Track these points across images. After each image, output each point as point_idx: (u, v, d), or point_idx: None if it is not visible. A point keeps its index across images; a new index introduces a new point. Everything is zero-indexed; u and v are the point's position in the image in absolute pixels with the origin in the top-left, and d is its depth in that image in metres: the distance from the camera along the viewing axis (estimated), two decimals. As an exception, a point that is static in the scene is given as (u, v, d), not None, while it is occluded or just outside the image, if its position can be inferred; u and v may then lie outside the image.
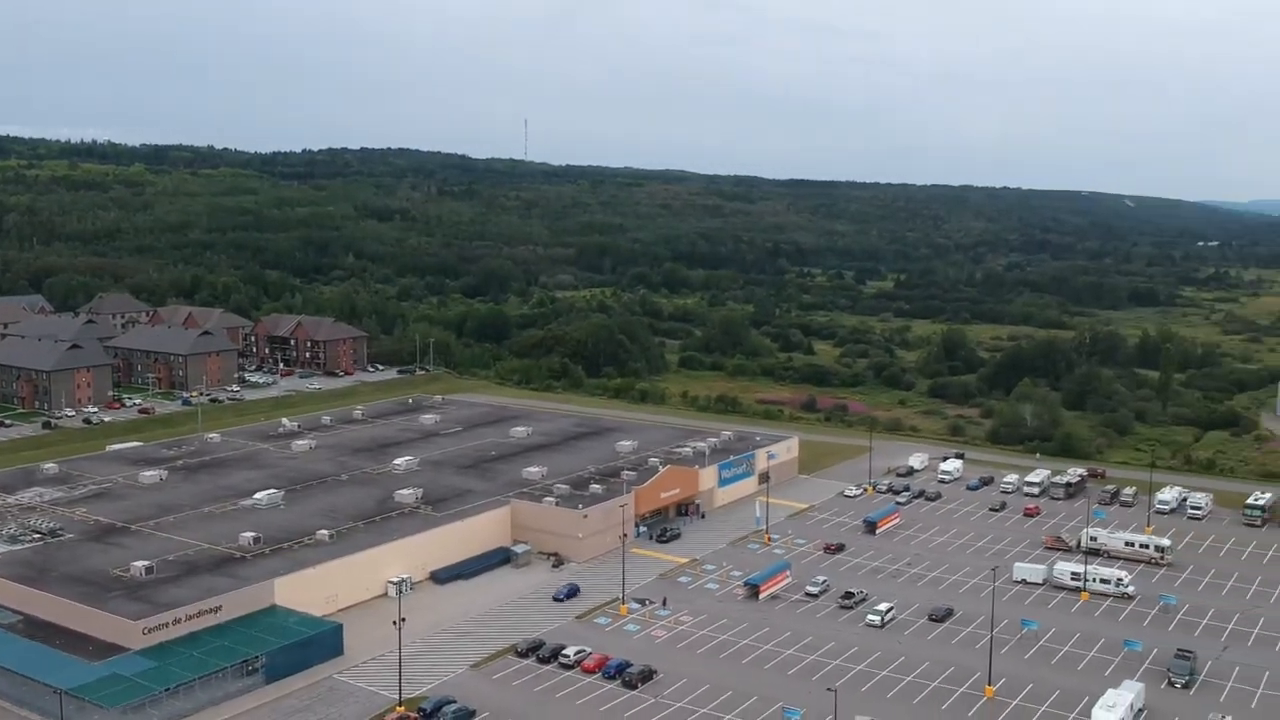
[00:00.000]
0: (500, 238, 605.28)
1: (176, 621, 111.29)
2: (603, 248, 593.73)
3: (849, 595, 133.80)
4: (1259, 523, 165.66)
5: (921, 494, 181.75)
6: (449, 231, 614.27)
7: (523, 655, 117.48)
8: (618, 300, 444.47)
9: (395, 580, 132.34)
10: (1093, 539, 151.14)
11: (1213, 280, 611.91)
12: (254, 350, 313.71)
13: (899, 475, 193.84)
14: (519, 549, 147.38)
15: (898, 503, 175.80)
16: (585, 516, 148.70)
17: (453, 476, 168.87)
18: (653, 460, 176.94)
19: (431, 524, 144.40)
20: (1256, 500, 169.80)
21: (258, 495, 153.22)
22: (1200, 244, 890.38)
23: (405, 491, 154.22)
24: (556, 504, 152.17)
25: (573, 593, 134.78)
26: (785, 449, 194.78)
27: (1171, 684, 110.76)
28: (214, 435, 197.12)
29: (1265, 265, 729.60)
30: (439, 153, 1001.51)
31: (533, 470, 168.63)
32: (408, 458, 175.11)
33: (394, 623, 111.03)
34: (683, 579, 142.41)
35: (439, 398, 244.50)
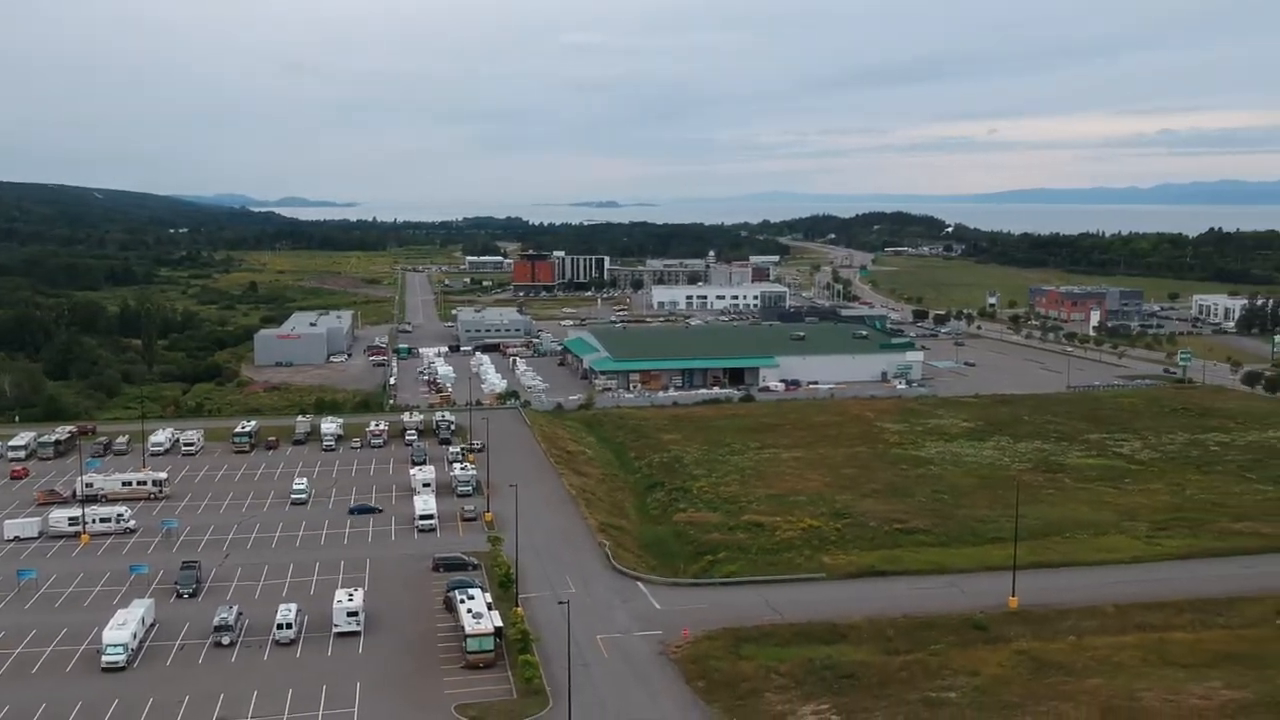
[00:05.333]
0: None
1: None
2: None
3: None
4: (247, 448, 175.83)
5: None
6: None
7: None
8: None
9: None
10: (89, 485, 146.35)
11: (186, 260, 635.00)
12: None
13: None
14: None
15: None
16: None
17: None
18: None
19: None
20: (243, 429, 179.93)
21: None
22: (172, 231, 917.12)
23: None
24: None
25: None
26: None
27: (180, 595, 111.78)
28: None
29: (232, 247, 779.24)
30: None
31: None
32: None
33: None
34: None
35: None
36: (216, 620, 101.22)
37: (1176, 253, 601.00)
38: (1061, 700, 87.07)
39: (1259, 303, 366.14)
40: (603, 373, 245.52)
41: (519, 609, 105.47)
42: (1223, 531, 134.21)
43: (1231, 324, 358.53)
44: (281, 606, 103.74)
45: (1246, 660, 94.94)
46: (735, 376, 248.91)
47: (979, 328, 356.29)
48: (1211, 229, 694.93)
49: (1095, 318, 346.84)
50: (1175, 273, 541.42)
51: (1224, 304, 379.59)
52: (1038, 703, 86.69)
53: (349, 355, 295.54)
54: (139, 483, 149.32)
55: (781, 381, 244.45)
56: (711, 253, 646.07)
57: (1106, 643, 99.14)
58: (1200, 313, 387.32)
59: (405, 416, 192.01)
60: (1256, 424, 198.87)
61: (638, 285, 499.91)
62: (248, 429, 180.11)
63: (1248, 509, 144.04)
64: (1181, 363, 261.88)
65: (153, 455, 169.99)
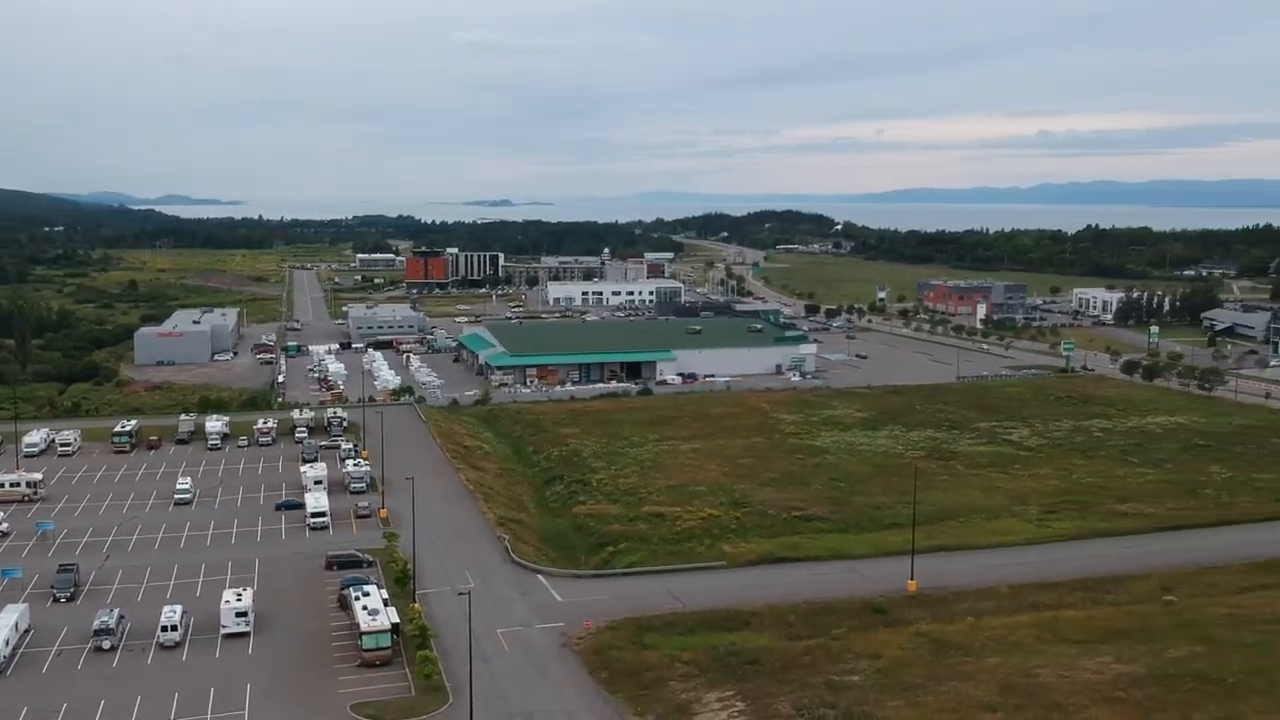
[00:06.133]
0: None
1: None
2: None
3: None
4: (128, 448, 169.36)
5: None
6: None
7: None
8: None
9: None
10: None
11: (62, 259, 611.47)
12: None
13: None
14: None
15: None
16: None
17: None
18: None
19: None
20: (123, 428, 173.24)
21: None
22: (47, 229, 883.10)
23: None
24: None
25: None
26: None
27: (56, 599, 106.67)
28: None
29: (110, 245, 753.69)
30: None
31: None
32: None
33: None
34: None
35: None
36: (96, 624, 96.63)
37: (1057, 249, 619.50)
38: (961, 680, 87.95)
39: (1135, 296, 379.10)
40: (499, 368, 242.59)
41: (416, 605, 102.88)
42: (1109, 513, 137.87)
43: (1109, 316, 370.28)
44: (166, 608, 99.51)
45: (1135, 635, 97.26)
46: (632, 370, 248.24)
47: (869, 322, 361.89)
48: (1089, 226, 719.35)
49: (982, 311, 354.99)
50: (1056, 268, 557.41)
51: (1102, 297, 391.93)
52: (939, 683, 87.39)
53: (235, 353, 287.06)
54: (12, 484, 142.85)
55: (678, 375, 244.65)
56: (606, 250, 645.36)
57: (1003, 622, 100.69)
58: (1080, 306, 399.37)
59: (295, 414, 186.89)
60: (1136, 411, 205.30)
61: (533, 282, 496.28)
62: (128, 428, 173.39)
63: (1131, 491, 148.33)
64: (1065, 352, 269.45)
65: (27, 456, 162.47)
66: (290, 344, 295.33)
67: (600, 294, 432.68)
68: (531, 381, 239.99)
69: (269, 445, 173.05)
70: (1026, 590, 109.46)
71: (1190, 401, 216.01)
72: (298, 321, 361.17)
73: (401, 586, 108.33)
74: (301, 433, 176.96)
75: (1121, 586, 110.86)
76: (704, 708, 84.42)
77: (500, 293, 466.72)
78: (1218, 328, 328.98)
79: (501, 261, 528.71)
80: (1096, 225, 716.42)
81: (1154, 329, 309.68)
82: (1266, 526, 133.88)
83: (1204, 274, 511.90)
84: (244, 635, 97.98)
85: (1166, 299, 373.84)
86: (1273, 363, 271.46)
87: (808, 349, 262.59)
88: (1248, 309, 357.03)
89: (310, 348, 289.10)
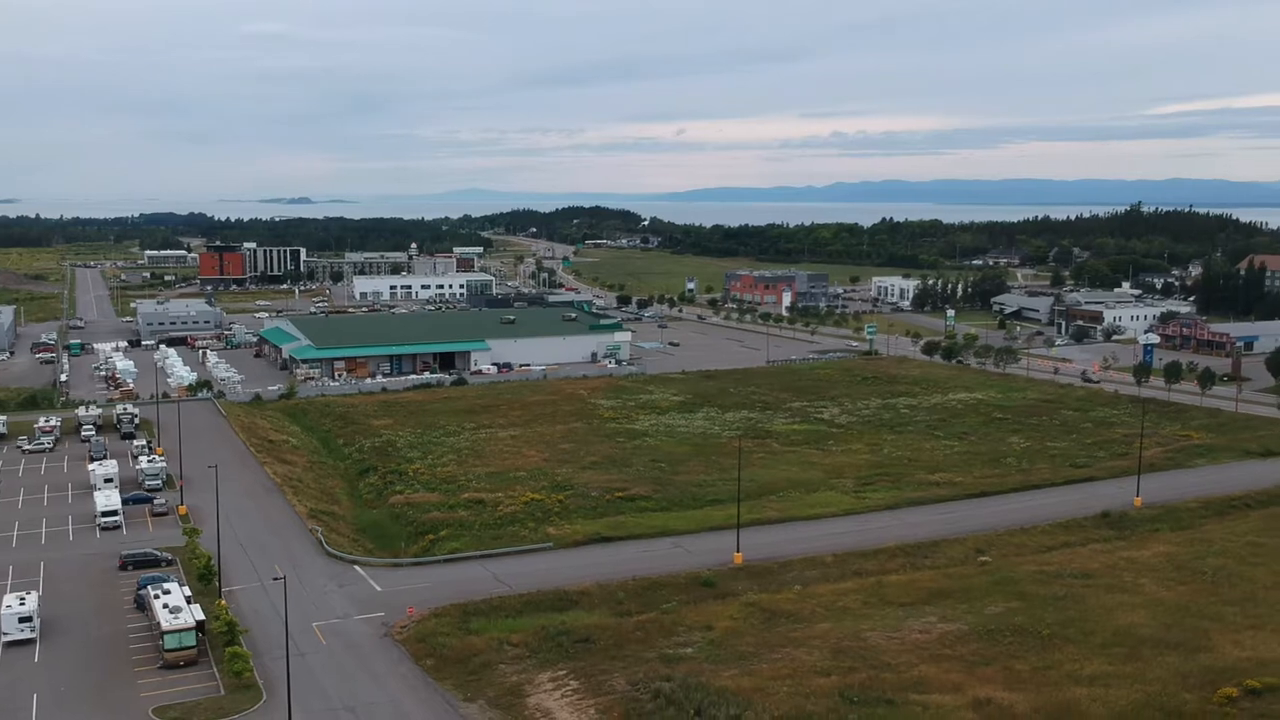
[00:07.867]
0: None
1: None
2: None
3: None
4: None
5: None
6: None
7: None
8: None
9: None
10: None
11: None
12: None
13: None
14: None
15: None
16: None
17: None
18: None
19: None
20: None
21: None
22: None
23: None
24: None
25: None
26: None
27: None
28: None
29: None
30: None
31: None
32: None
33: None
34: None
35: None
36: None
37: (854, 241, 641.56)
38: (794, 646, 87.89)
39: (930, 283, 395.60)
40: (304, 361, 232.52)
41: (222, 601, 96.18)
42: (921, 483, 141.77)
43: (907, 302, 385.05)
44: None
45: (955, 595, 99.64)
46: (446, 361, 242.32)
47: (680, 311, 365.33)
48: (884, 219, 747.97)
49: (787, 299, 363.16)
50: (854, 259, 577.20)
51: (899, 285, 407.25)
52: (772, 650, 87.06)
53: (11, 353, 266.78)
54: None
55: (494, 365, 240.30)
56: (414, 245, 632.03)
57: (829, 589, 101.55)
58: (879, 293, 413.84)
59: (80, 411, 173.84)
60: (937, 388, 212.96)
61: (338, 277, 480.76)
62: None
63: (939, 462, 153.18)
64: (868, 336, 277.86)
65: None
66: (73, 342, 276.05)
67: (409, 288, 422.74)
68: (340, 375, 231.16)
69: (52, 446, 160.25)
70: (850, 558, 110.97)
71: (987, 379, 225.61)
72: (80, 319, 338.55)
73: (206, 584, 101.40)
74: (88, 430, 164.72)
75: (938, 550, 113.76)
76: (536, 689, 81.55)
77: (303, 288, 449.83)
78: (1006, 311, 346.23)
79: (303, 257, 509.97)
80: (890, 219, 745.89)
81: (950, 313, 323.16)
82: (1063, 489, 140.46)
83: (991, 263, 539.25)
84: (29, 642, 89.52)
85: (959, 286, 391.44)
86: (1059, 342, 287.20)
87: (622, 337, 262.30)
88: (1032, 294, 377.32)
89: (96, 345, 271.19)
